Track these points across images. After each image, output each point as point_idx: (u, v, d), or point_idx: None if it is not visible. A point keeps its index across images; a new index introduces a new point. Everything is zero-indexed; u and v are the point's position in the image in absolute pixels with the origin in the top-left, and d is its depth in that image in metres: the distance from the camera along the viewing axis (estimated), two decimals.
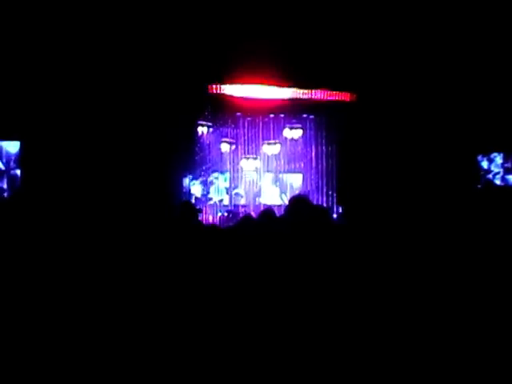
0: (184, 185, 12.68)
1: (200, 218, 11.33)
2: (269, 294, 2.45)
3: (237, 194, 13.61)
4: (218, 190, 13.53)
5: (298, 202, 3.21)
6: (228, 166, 13.60)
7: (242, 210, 12.87)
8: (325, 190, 13.59)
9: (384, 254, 2.77)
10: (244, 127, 13.52)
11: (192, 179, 13.10)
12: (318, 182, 13.70)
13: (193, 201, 12.42)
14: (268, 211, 3.56)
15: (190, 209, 3.98)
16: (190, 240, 3.12)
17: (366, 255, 2.69)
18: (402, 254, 2.79)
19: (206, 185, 13.30)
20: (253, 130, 13.57)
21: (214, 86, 11.46)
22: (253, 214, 10.47)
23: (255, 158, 13.61)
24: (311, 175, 13.83)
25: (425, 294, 2.46)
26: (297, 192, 12.97)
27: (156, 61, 10.40)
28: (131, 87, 10.33)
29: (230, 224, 8.69)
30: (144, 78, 10.37)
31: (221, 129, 13.27)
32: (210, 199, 13.39)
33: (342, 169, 12.92)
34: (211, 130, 12.91)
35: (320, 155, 13.70)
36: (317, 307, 2.26)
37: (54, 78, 9.86)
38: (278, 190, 13.91)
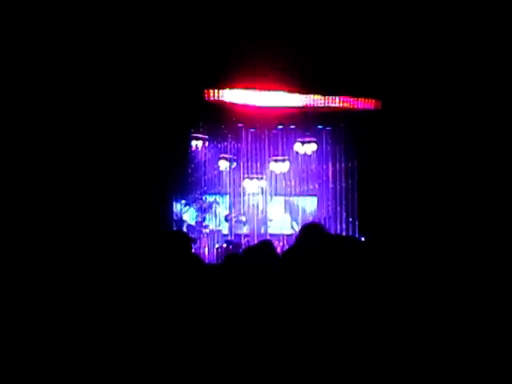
0: (175, 211, 12.64)
1: (194, 250, 11.32)
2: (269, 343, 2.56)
3: (238, 221, 13.49)
4: (215, 217, 13.48)
5: (311, 230, 3.23)
6: (228, 188, 13.52)
7: (244, 240, 12.71)
8: (344, 215, 13.36)
9: (416, 297, 2.79)
10: (247, 141, 13.40)
11: (185, 204, 13.10)
12: (335, 207, 13.53)
13: (184, 229, 12.57)
14: (266, 242, 3.55)
15: (182, 239, 3.83)
16: (181, 278, 3.16)
17: (392, 297, 2.69)
18: (442, 300, 2.83)
19: (201, 210, 13.25)
20: (257, 145, 13.48)
21: (211, 92, 11.27)
22: None
23: (260, 178, 13.53)
24: (328, 198, 13.65)
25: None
26: (310, 219, 13.07)
27: (141, 60, 10.22)
28: (111, 90, 10.18)
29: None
30: (127, 80, 10.23)
31: (219, 143, 13.25)
32: (206, 227, 13.26)
33: (365, 190, 12.60)
34: (207, 144, 12.92)
35: (338, 174, 13.52)
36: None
37: (22, 82, 9.72)
38: (287, 216, 13.81)
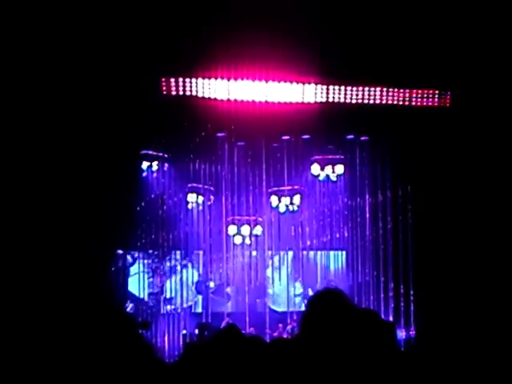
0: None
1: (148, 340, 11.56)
2: None
3: (217, 291, 13.50)
4: (181, 286, 13.37)
5: (326, 302, 3.13)
6: (201, 239, 13.47)
7: (225, 320, 12.53)
8: (390, 282, 13.02)
9: None
10: (232, 162, 13.22)
11: (130, 264, 13.13)
12: (375, 268, 13.32)
13: (129, 307, 12.73)
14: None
15: (124, 324, 3.57)
16: None
17: None
18: None
19: (156, 275, 13.22)
20: (249, 168, 13.39)
21: (171, 81, 11.37)
22: (250, 331, 11.67)
23: (255, 223, 13.46)
24: (363, 253, 13.52)
25: None
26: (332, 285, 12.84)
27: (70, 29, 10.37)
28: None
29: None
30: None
31: (186, 165, 13.21)
32: (170, 302, 13.29)
33: (425, 236, 12.37)
34: (167, 166, 12.96)
35: (380, 210, 13.33)
36: None
37: None
38: (298, 284, 13.72)
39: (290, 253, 13.85)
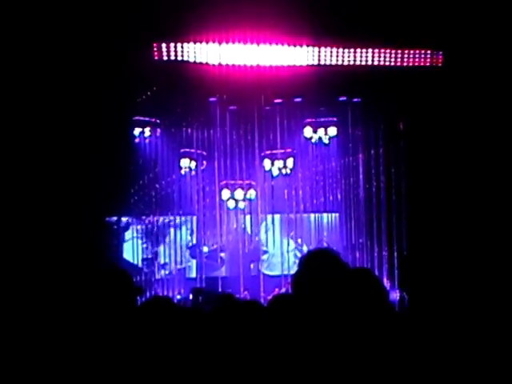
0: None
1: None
2: None
3: (211, 256, 13.62)
4: (175, 250, 13.55)
5: (318, 261, 3.35)
6: (194, 203, 13.57)
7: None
8: (384, 245, 13.05)
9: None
10: (224, 126, 13.14)
11: (124, 228, 13.29)
12: (369, 230, 13.34)
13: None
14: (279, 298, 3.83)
15: (123, 287, 3.67)
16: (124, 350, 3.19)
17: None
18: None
19: (149, 240, 13.33)
20: (241, 132, 13.32)
21: (163, 47, 11.23)
22: (245, 295, 12.16)
23: (248, 186, 13.47)
24: (357, 215, 13.53)
25: None
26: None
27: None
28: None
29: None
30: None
31: (178, 130, 13.19)
32: (164, 267, 13.43)
33: (419, 201, 12.29)
34: (159, 132, 12.94)
35: (373, 168, 13.34)
36: None
37: None
38: (292, 246, 13.91)
39: (277, 216, 13.93)
